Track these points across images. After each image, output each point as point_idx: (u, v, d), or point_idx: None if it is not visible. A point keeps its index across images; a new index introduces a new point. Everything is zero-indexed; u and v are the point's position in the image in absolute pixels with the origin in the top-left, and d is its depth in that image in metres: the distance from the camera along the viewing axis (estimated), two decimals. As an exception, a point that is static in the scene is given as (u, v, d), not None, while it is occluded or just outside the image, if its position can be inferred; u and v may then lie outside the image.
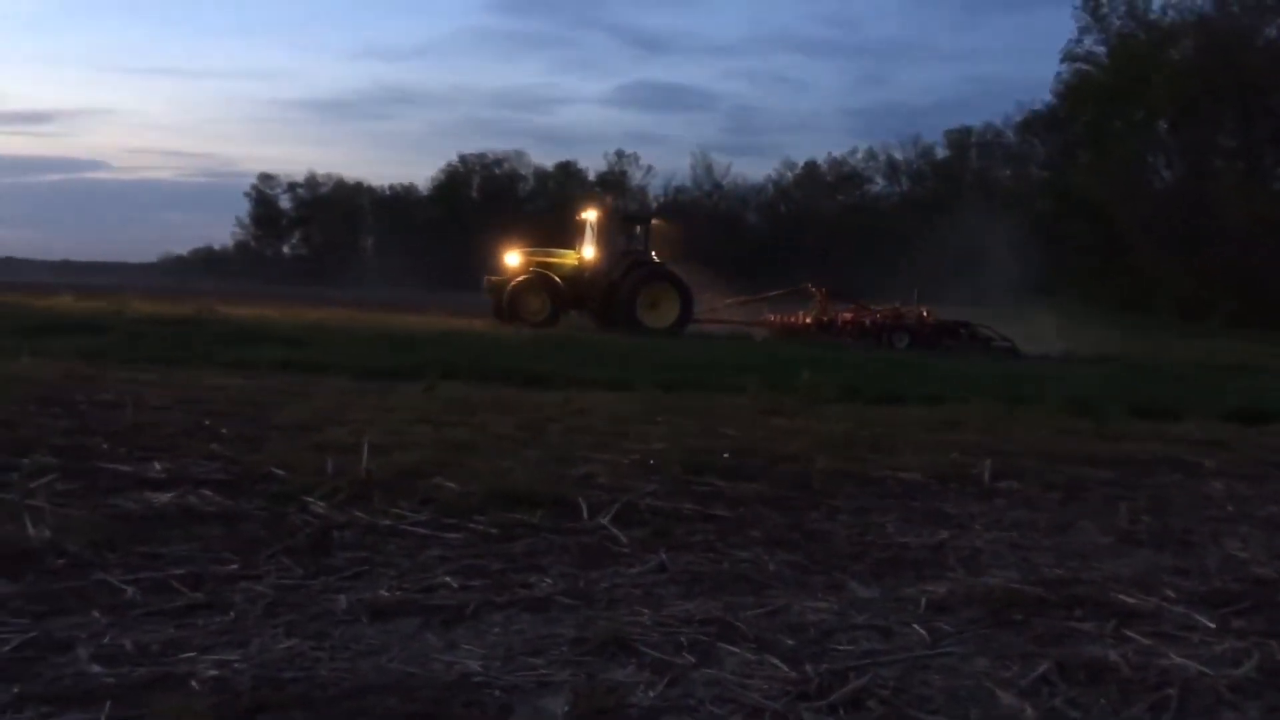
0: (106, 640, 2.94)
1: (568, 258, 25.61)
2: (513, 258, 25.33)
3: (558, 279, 24.59)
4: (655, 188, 77.38)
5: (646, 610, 3.42)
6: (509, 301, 24.31)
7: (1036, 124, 61.23)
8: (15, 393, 7.49)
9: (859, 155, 78.32)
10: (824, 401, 9.36)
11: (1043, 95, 63.86)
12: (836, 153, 79.48)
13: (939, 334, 23.80)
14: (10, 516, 3.98)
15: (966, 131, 73.90)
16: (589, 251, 25.47)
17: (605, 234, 25.78)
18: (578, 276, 25.01)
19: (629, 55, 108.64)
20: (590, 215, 26.26)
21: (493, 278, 25.25)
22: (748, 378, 10.33)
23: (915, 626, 3.37)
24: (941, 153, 75.72)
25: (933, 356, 19.52)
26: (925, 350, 21.85)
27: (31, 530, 3.82)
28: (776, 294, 27.34)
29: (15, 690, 2.59)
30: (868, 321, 24.72)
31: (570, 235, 26.60)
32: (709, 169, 78.42)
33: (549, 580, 3.72)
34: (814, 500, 5.28)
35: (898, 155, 77.35)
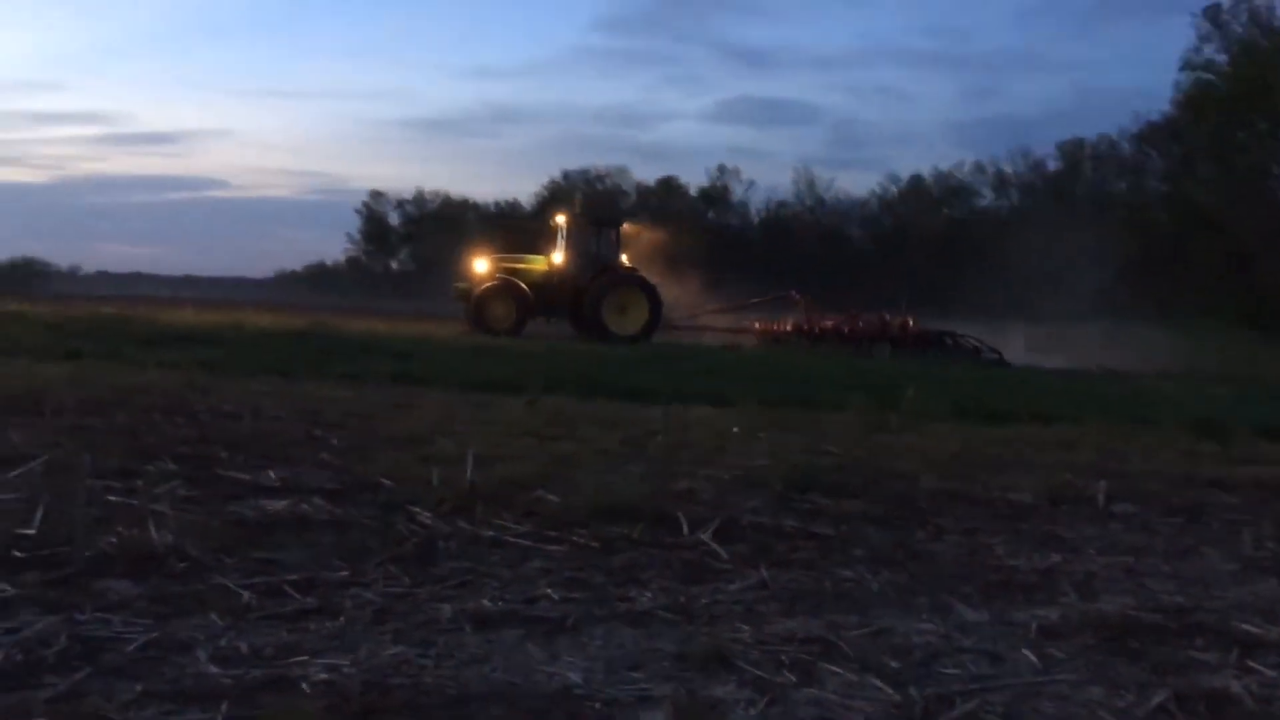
0: (224, 642, 3.04)
1: (537, 263, 25.36)
2: (481, 264, 25.11)
3: (525, 285, 24.32)
4: (756, 202, 77.03)
5: (747, 627, 3.39)
6: (474, 308, 24.25)
7: (1154, 135, 59.13)
8: (141, 402, 7.82)
9: (966, 168, 76.81)
10: (931, 419, 9.18)
11: (1160, 105, 61.61)
12: (943, 166, 77.92)
13: (922, 343, 23.57)
14: (136, 521, 4.16)
15: (1079, 144, 71.84)
16: (558, 257, 25.21)
17: (573, 238, 25.51)
18: (547, 282, 24.69)
19: (731, 70, 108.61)
20: (560, 219, 26.07)
21: (460, 284, 25.12)
22: (852, 394, 10.19)
23: (1025, 652, 3.28)
24: (1053, 165, 73.76)
25: (922, 364, 19.25)
26: (908, 359, 21.58)
27: (155, 534, 3.97)
28: (760, 300, 27.25)
29: (139, 688, 2.69)
30: (847, 330, 24.62)
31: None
32: (811, 183, 77.76)
33: (649, 595, 3.73)
34: (920, 519, 5.18)
35: (1007, 168, 75.60)
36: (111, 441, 6.01)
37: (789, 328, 24.99)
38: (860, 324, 24.84)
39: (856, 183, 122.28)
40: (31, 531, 3.94)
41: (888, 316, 24.92)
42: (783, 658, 3.12)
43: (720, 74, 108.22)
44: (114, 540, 3.89)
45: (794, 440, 7.53)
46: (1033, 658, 3.23)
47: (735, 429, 7.92)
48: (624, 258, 25.46)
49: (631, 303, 24.18)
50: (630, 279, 24.73)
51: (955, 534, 4.95)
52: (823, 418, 9.16)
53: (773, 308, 26.91)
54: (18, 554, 3.71)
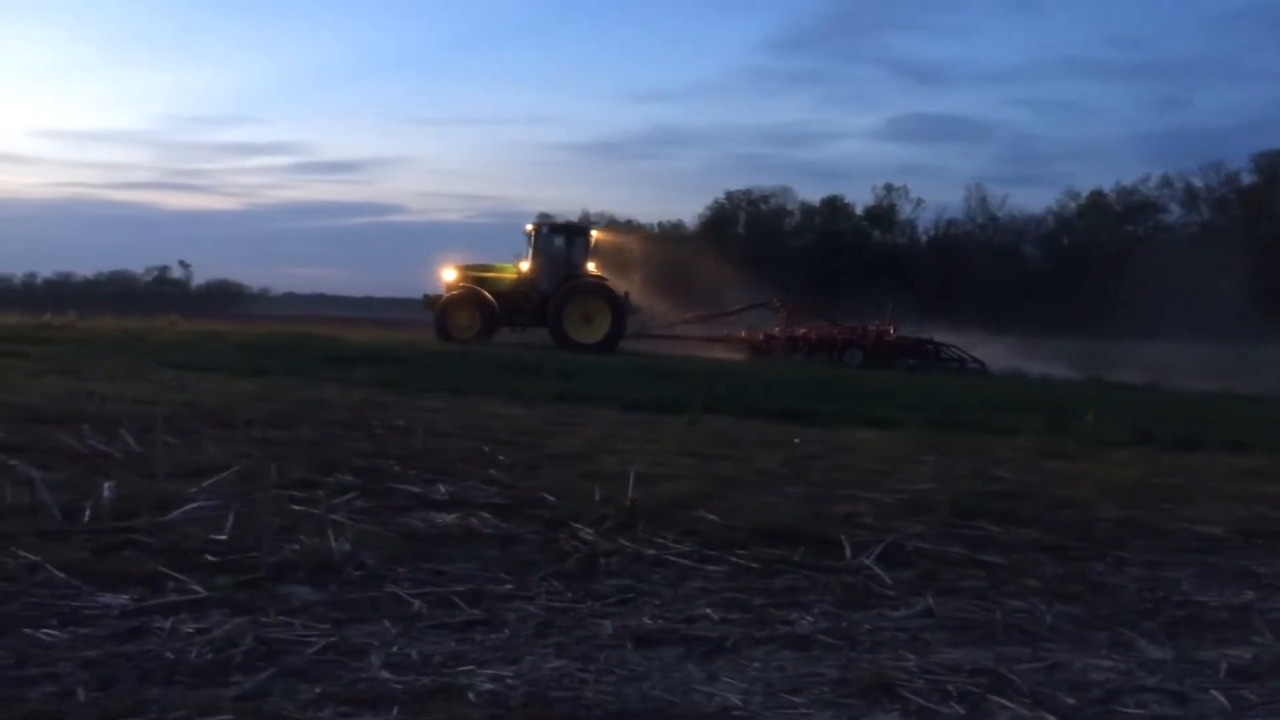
0: (395, 649, 3.16)
1: (506, 272, 25.08)
2: (449, 273, 24.94)
3: (492, 294, 24.09)
4: (925, 220, 75.18)
5: (912, 656, 3.30)
6: (438, 317, 24.11)
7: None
8: (322, 417, 8.23)
9: (1152, 183, 73.03)
10: (1111, 445, 8.74)
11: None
12: (1126, 181, 74.26)
13: (899, 352, 23.10)
14: (317, 529, 4.37)
15: (1277, 155, 67.36)
16: (525, 265, 24.92)
17: (540, 247, 25.15)
18: (515, 291, 24.49)
19: (901, 87, 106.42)
20: (529, 228, 25.63)
21: (429, 294, 24.99)
22: (1024, 418, 9.81)
23: (1214, 693, 3.08)
24: (1248, 178, 69.37)
25: (898, 374, 18.31)
26: (883, 368, 21.05)
27: (334, 543, 4.17)
28: (739, 309, 26.47)
29: (317, 690, 2.82)
30: (814, 337, 24.14)
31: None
32: (983, 201, 75.37)
33: (810, 618, 3.67)
34: (1098, 550, 4.94)
35: (1196, 182, 71.53)
36: (295, 454, 6.34)
37: (762, 336, 24.66)
38: (836, 332, 24.54)
39: (1032, 200, 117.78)
40: (223, 537, 4.19)
41: (876, 326, 24.42)
42: (949, 689, 3.02)
43: (890, 91, 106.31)
44: (296, 547, 4.09)
45: (961, 464, 7.31)
46: (1223, 700, 3.03)
47: (898, 452, 7.73)
48: (592, 266, 25.26)
49: (596, 312, 23.98)
50: (594, 288, 24.47)
51: (1137, 566, 4.70)
52: (992, 441, 8.85)
53: (756, 317, 26.51)
54: (210, 558, 3.95)
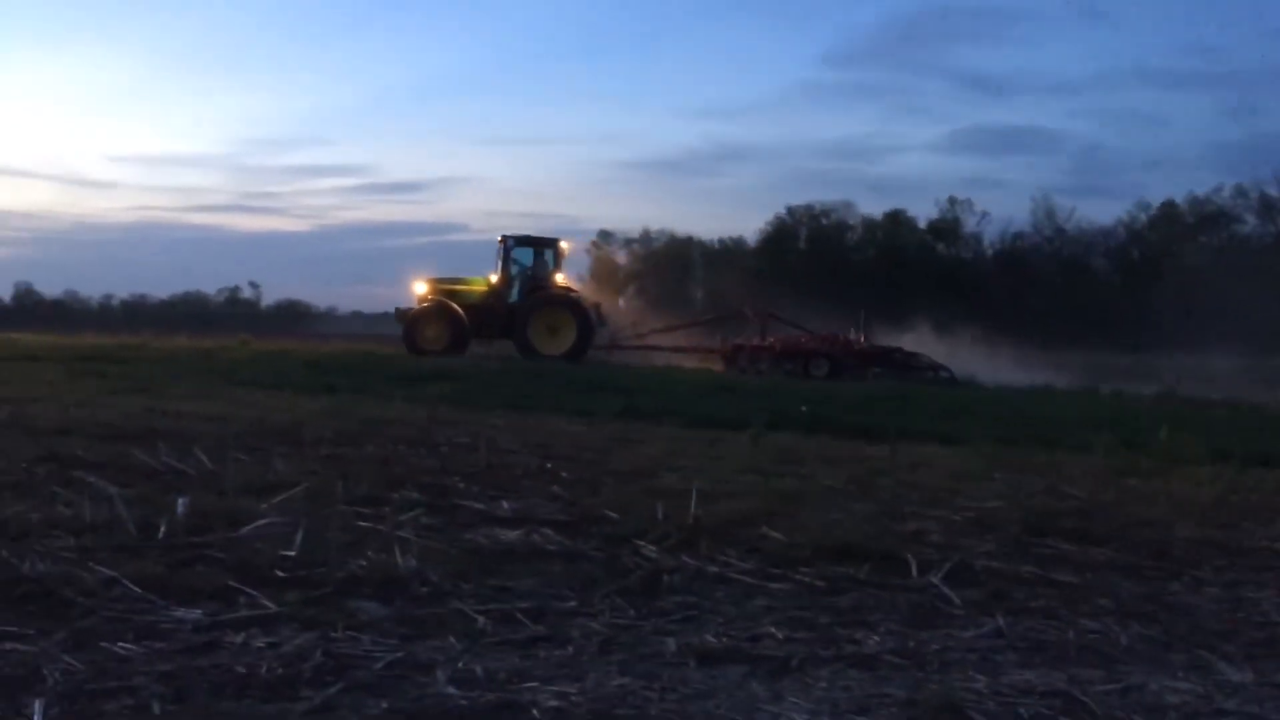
0: (461, 665, 3.17)
1: (476, 285, 25.18)
2: (420, 287, 25.11)
3: (461, 307, 24.17)
4: (990, 234, 74.10)
5: (982, 677, 3.24)
6: (406, 330, 24.23)
7: None
8: (388, 434, 8.34)
9: (1225, 193, 71.30)
10: (1187, 462, 8.51)
11: None
12: (1199, 191, 72.54)
13: (866, 361, 22.93)
14: (383, 545, 4.42)
15: (1355, 162, 65.30)
16: (494, 278, 25.10)
17: (508, 260, 25.32)
18: (485, 303, 24.55)
19: (965, 99, 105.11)
20: (499, 241, 25.77)
21: (400, 307, 25.05)
22: (1096, 434, 9.60)
23: (1299, 719, 2.97)
24: (1328, 188, 67.31)
25: (864, 384, 18.05)
26: (851, 378, 20.95)
27: (400, 559, 4.21)
28: (710, 318, 26.98)
29: (384, 705, 2.85)
30: (779, 346, 23.95)
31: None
32: (1050, 213, 74.07)
33: (877, 638, 3.62)
34: (1174, 570, 4.81)
35: (1271, 191, 69.64)
36: (362, 470, 6.43)
37: (730, 346, 24.60)
38: (803, 340, 24.42)
39: (1101, 211, 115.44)
40: (292, 553, 4.26)
41: (844, 336, 24.38)
42: (1021, 711, 2.96)
43: (953, 104, 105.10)
44: (364, 563, 4.15)
45: (1031, 482, 7.17)
46: (1309, 727, 2.92)
47: (966, 468, 7.62)
48: (560, 277, 25.37)
49: (562, 323, 24.04)
50: (559, 300, 24.57)
51: (1215, 587, 4.56)
52: (1063, 458, 8.68)
53: (732, 326, 26.47)
54: (280, 573, 4.02)
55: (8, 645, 3.16)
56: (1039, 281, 65.45)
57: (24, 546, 4.17)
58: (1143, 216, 73.46)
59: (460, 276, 25.77)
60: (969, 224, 74.32)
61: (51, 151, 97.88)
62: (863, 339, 24.18)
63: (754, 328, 25.41)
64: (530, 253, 25.75)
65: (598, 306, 25.51)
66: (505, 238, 25.93)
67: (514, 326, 24.29)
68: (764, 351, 24.06)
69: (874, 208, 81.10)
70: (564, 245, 26.32)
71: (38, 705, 2.67)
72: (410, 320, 24.54)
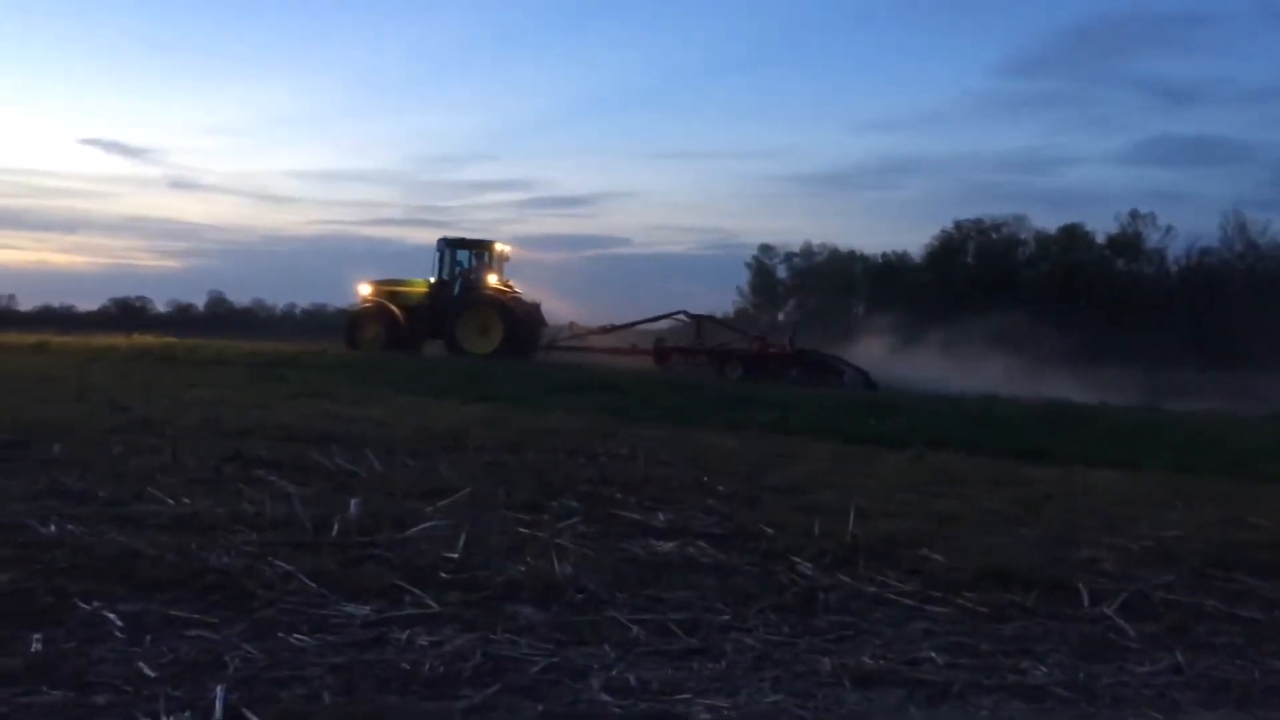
0: (615, 672, 3.20)
1: (417, 286, 25.86)
2: (364, 288, 25.95)
3: (404, 308, 25.03)
4: (1175, 249, 70.22)
5: (1158, 715, 3.07)
6: (347, 329, 25.22)
7: None
8: (547, 443, 8.50)
9: None
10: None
11: None
12: None
13: (783, 363, 23.58)
14: (541, 552, 4.51)
15: None
16: (432, 279, 25.73)
17: (444, 262, 25.98)
18: (423, 304, 25.27)
19: (1149, 108, 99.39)
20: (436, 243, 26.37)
21: (345, 308, 25.94)
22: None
23: None
24: None
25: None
26: (765, 380, 21.33)
27: (557, 566, 4.29)
28: (646, 321, 26.88)
29: (540, 708, 2.90)
30: (704, 350, 24.72)
31: None
32: (1243, 227, 69.66)
33: (1044, 668, 3.48)
34: (1377, 611, 4.44)
35: None
36: (522, 478, 6.57)
37: (654, 348, 25.23)
38: (714, 345, 25.07)
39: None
40: (455, 555, 4.40)
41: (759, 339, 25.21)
42: (1201, 754, 2.79)
43: (1136, 113, 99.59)
44: (523, 568, 4.24)
45: (1213, 511, 6.75)
46: None
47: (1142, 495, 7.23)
48: (494, 279, 25.89)
49: (492, 324, 24.74)
50: (487, 301, 25.20)
51: None
52: (1248, 487, 8.14)
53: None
54: (443, 574, 4.15)
55: (194, 632, 3.37)
56: (1228, 299, 61.64)
57: (211, 540, 4.44)
58: (1348, 231, 68.23)
59: (402, 278, 27.00)
60: (1151, 239, 70.64)
61: (242, 169, 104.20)
62: (789, 344, 25.17)
63: (689, 329, 26.64)
64: (466, 255, 26.85)
65: (538, 307, 26.60)
66: (441, 240, 27.06)
67: (444, 326, 25.56)
68: (690, 354, 25.10)
69: (1048, 222, 77.72)
70: (501, 248, 27.26)
71: (219, 690, 2.83)
72: (350, 320, 26.11)
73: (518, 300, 26.01)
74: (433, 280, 26.26)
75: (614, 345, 26.29)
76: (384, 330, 25.08)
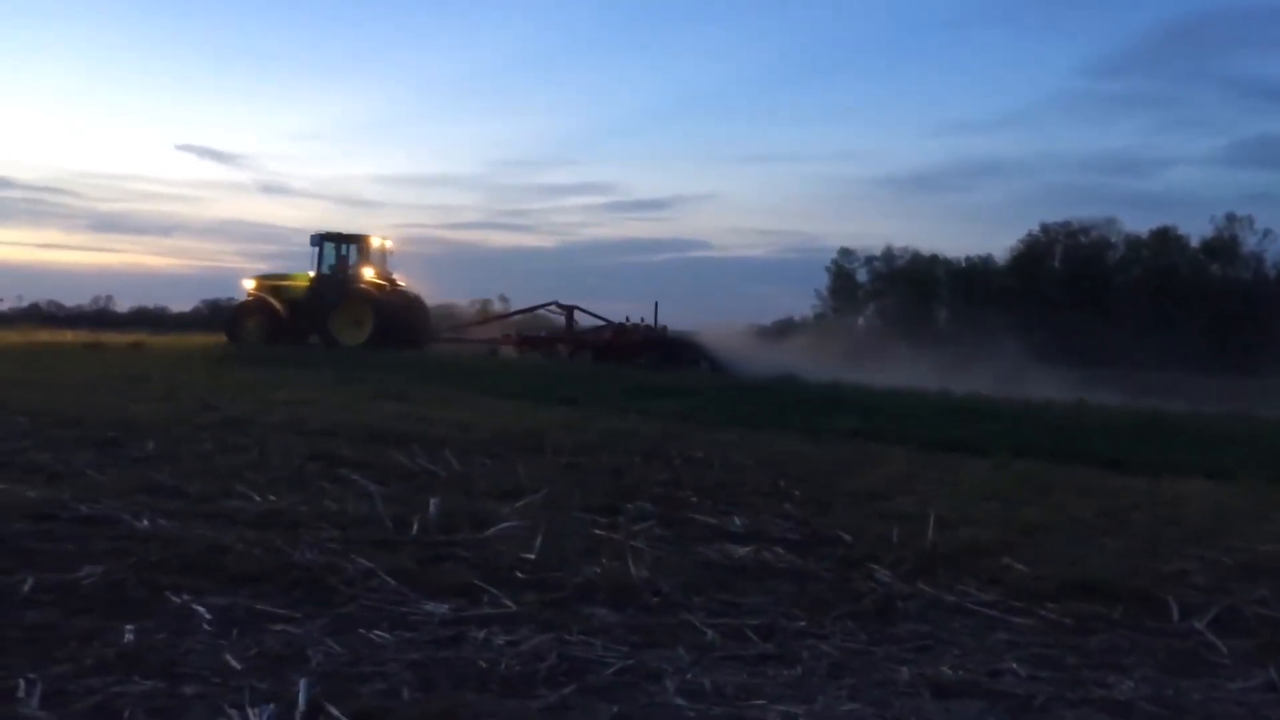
0: (689, 676, 3.20)
1: (299, 280, 26.43)
2: (248, 283, 26.67)
3: (286, 302, 25.84)
4: (1273, 254, 67.73)
5: (1251, 735, 2.96)
6: (228, 323, 26.17)
7: None
8: (623, 446, 8.53)
9: None
10: None
11: None
12: None
13: (635, 349, 24.99)
14: (616, 554, 4.53)
15: None
16: (311, 274, 26.35)
17: (320, 256, 26.58)
18: (303, 298, 25.90)
19: (1246, 108, 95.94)
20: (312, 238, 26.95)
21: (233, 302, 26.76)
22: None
23: None
24: None
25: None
26: (616, 363, 22.89)
27: (633, 569, 4.30)
28: (520, 311, 28.32)
29: (615, 710, 2.91)
30: (546, 335, 26.43)
31: None
32: (1346, 231, 66.96)
33: (1131, 683, 3.38)
34: None
35: None
36: (598, 480, 6.61)
37: (516, 338, 26.53)
38: (567, 334, 26.47)
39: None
40: (532, 556, 4.43)
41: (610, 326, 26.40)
42: (1297, 776, 2.68)
43: (1234, 113, 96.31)
44: (598, 570, 4.26)
45: (1314, 524, 6.49)
46: None
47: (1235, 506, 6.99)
48: (368, 272, 26.54)
49: (364, 317, 25.45)
50: (358, 294, 25.79)
51: None
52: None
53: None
54: (520, 575, 4.19)
55: (278, 626, 3.45)
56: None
57: (295, 536, 4.54)
58: None
59: (285, 273, 27.58)
60: (1249, 242, 68.33)
61: (328, 174, 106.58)
62: (641, 325, 26.08)
63: (561, 318, 27.67)
64: (335, 248, 27.27)
65: (419, 299, 27.25)
66: (314, 235, 27.48)
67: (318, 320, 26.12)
68: (548, 343, 26.35)
69: (1139, 225, 75.57)
70: (376, 241, 27.68)
71: (302, 684, 2.89)
72: (233, 313, 27.05)
73: (396, 293, 26.91)
74: (312, 275, 27.20)
75: (491, 336, 27.61)
76: (263, 324, 25.97)
